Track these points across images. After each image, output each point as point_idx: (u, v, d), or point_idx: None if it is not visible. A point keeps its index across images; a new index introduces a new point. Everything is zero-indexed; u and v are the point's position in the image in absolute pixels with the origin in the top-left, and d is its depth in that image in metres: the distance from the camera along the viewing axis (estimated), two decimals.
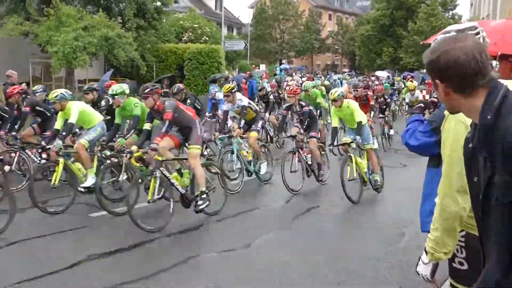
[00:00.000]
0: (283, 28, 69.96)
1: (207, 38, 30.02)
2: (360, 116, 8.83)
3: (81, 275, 5.29)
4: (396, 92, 21.78)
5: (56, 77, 22.24)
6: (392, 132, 15.12)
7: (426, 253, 2.56)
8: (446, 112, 2.47)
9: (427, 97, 23.63)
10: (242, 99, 9.53)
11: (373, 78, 36.84)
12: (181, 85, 12.38)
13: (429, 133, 2.99)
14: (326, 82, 25.91)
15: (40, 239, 6.44)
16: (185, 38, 29.50)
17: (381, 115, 15.00)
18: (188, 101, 10.99)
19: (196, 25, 30.74)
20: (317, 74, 56.85)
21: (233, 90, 9.41)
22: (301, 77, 35.51)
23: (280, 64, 62.66)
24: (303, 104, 9.79)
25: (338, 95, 8.73)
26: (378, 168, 9.02)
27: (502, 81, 1.76)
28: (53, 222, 7.11)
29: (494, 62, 2.92)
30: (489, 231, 1.74)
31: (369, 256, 5.80)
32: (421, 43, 40.89)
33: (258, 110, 10.86)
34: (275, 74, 52.84)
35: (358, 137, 8.77)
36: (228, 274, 5.29)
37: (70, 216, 7.54)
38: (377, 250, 6.03)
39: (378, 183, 8.91)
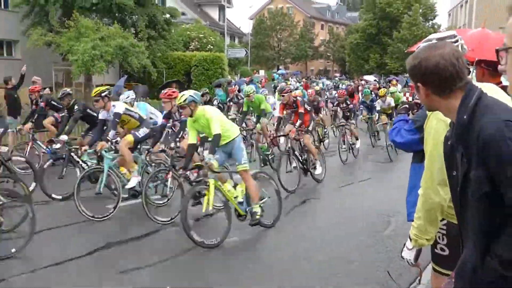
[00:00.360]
0: (280, 37, 69.86)
1: (211, 47, 29.98)
2: (218, 128, 5.90)
3: (101, 260, 5.29)
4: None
5: (76, 83, 22.21)
6: (358, 144, 12.54)
7: (410, 239, 2.56)
8: (428, 112, 2.47)
9: (410, 98, 23.58)
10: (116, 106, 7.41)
11: (362, 82, 36.93)
12: (68, 90, 10.48)
13: (413, 131, 2.99)
14: (317, 87, 25.87)
15: (64, 228, 6.43)
16: (191, 47, 29.46)
17: (342, 123, 12.99)
18: (76, 107, 9.11)
19: (202, 35, 30.70)
20: (310, 79, 56.77)
21: (102, 94, 7.24)
22: (296, 82, 35.49)
23: (278, 69, 62.60)
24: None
25: (184, 101, 5.92)
26: (257, 196, 6.22)
27: (478, 84, 1.76)
28: (76, 212, 7.08)
29: (472, 68, 2.90)
30: (466, 222, 1.74)
31: (357, 243, 5.80)
32: (405, 51, 40.87)
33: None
34: (273, 79, 52.82)
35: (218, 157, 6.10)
36: (225, 262, 5.28)
37: (91, 207, 7.53)
38: (365, 237, 6.02)
39: (257, 215, 6.09)
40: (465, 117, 1.63)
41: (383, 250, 5.55)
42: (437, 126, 2.34)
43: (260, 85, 23.62)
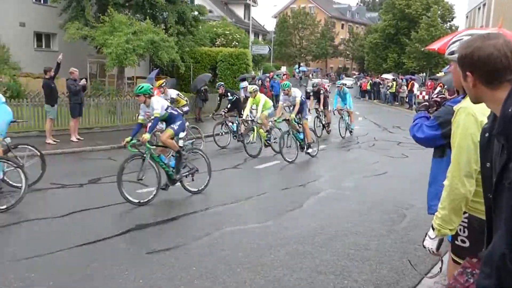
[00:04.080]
0: (301, 35, 69.44)
1: (236, 43, 29.96)
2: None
3: (131, 241, 5.34)
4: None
5: (109, 74, 22.47)
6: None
7: (433, 229, 2.52)
8: (456, 107, 2.42)
9: (426, 97, 23.25)
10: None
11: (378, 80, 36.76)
12: None
13: (435, 127, 2.95)
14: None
15: (97, 210, 6.52)
16: (218, 43, 29.49)
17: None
18: None
19: (228, 32, 30.69)
20: (330, 76, 56.43)
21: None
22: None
23: (299, 66, 62.27)
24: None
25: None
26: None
27: None
28: (100, 198, 7.18)
29: None
30: (499, 210, 1.69)
31: (374, 234, 5.74)
32: (422, 49, 40.21)
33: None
34: (294, 75, 52.60)
35: None
36: (246, 246, 5.28)
37: (114, 193, 7.62)
38: (381, 228, 5.95)
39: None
40: (510, 110, 1.58)
41: (398, 240, 5.49)
42: (466, 119, 2.31)
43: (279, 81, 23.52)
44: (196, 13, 24.83)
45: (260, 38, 51.29)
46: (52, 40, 25.09)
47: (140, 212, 6.49)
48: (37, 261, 4.65)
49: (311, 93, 16.50)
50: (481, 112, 2.29)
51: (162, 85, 10.84)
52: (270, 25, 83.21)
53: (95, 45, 20.02)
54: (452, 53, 2.72)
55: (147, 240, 5.36)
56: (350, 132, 15.31)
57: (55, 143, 11.59)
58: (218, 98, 13.67)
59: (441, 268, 3.00)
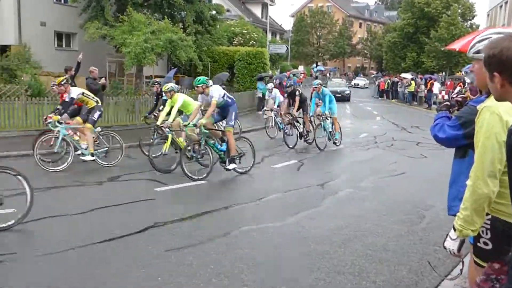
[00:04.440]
0: (319, 34, 69.19)
1: (254, 42, 29.99)
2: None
3: (149, 238, 5.39)
4: None
5: (128, 73, 22.70)
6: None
7: (455, 230, 2.48)
8: (479, 106, 2.38)
9: (446, 97, 22.97)
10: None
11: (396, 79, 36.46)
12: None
13: (457, 127, 2.92)
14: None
15: (107, 209, 6.59)
16: (235, 42, 29.56)
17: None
18: None
19: (245, 31, 30.74)
20: (347, 75, 56.03)
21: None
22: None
23: (316, 65, 62.03)
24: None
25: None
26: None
27: None
28: (119, 195, 7.27)
29: None
30: None
31: (392, 234, 5.69)
32: (443, 48, 39.61)
33: None
34: (311, 74, 52.37)
35: None
36: (264, 245, 5.29)
37: (139, 190, 7.71)
38: (400, 229, 5.90)
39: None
40: None
41: (418, 241, 5.44)
42: (490, 118, 2.28)
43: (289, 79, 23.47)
44: (214, 12, 24.95)
45: (278, 37, 51.24)
46: (72, 40, 25.46)
47: (158, 210, 6.55)
48: (55, 257, 4.72)
49: (285, 95, 14.42)
50: (506, 112, 2.26)
51: (62, 82, 9.15)
52: (287, 24, 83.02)
53: (114, 44, 20.26)
54: (477, 52, 2.68)
55: (166, 238, 5.40)
56: (335, 143, 12.60)
57: None
58: (155, 97, 11.65)
59: (461, 270, 2.96)
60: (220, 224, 5.99)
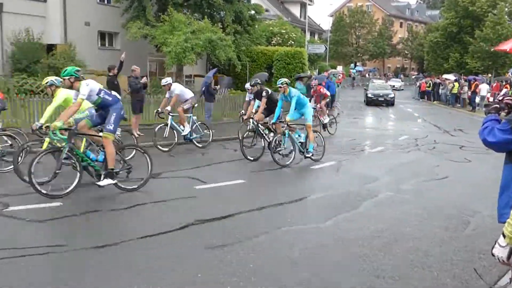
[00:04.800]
0: (358, 34, 68.35)
1: (292, 42, 29.91)
2: None
3: (189, 235, 5.48)
4: None
5: (168, 72, 23.11)
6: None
7: (504, 237, 2.41)
8: None
9: (491, 99, 22.24)
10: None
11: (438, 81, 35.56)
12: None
13: (508, 131, 2.83)
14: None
15: (148, 205, 6.73)
16: (273, 42, 29.56)
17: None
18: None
19: (284, 31, 30.70)
20: (387, 76, 55.00)
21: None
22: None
23: (355, 66, 61.28)
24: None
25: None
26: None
27: None
28: (160, 192, 7.41)
29: None
30: None
31: (435, 240, 5.56)
32: (489, 48, 38.26)
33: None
34: (350, 75, 51.79)
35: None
36: (303, 246, 5.27)
37: (180, 187, 7.84)
38: (443, 235, 5.76)
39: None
40: None
41: (462, 248, 5.29)
42: None
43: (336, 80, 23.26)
44: (252, 12, 25.05)
45: (316, 37, 50.94)
46: (115, 39, 26.10)
47: (198, 207, 6.64)
48: (95, 252, 4.87)
49: (252, 96, 12.21)
50: None
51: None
52: (326, 24, 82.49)
53: (155, 44, 20.66)
54: None
55: (206, 235, 5.47)
56: (307, 156, 10.06)
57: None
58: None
59: (511, 279, 2.87)
60: (259, 223, 6.02)
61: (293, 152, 10.06)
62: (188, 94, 11.85)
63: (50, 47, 21.50)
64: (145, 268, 4.48)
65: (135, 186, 7.41)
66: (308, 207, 6.99)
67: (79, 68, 7.35)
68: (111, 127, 7.07)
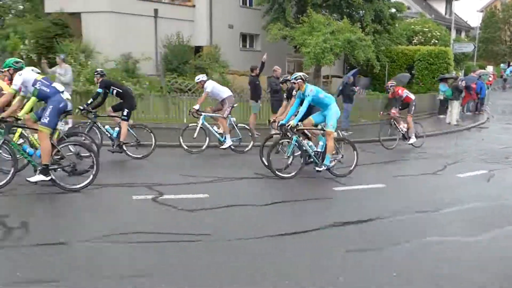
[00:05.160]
0: None
1: (436, 41, 28.14)
2: None
3: (327, 237, 5.46)
4: None
5: (306, 72, 23.35)
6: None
7: None
8: None
9: None
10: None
11: None
12: None
13: None
14: None
15: (288, 203, 6.84)
16: (415, 41, 28.12)
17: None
18: None
19: (426, 29, 29.03)
20: None
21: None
22: None
23: (508, 65, 55.66)
24: None
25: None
26: None
27: None
28: (304, 191, 7.49)
29: None
30: None
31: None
32: None
33: None
34: (502, 76, 47.19)
35: None
36: (452, 260, 4.89)
37: (316, 187, 7.87)
38: None
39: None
40: None
41: None
42: None
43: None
44: (393, 10, 24.10)
45: (463, 35, 47.35)
46: (255, 41, 27.13)
47: (336, 209, 6.59)
48: (237, 244, 5.08)
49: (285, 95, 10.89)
50: None
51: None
52: (474, 20, 76.10)
53: (294, 44, 20.99)
54: None
55: (345, 239, 5.40)
56: (318, 170, 8.40)
57: (257, 136, 12.51)
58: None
59: None
60: (401, 230, 5.76)
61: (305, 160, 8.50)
62: (224, 92, 10.89)
63: (197, 49, 23.10)
64: (281, 266, 4.53)
65: (79, 186, 6.88)
66: (454, 218, 6.48)
67: (18, 60, 7.32)
68: (45, 120, 6.74)
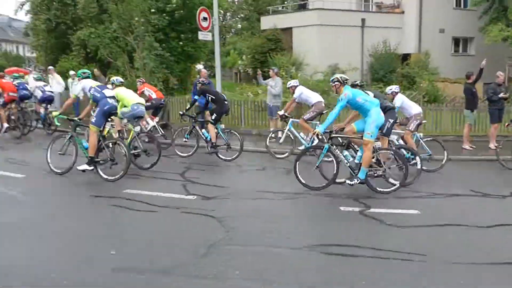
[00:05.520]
0: None
1: None
2: None
3: None
4: None
5: None
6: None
7: None
8: None
9: None
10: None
11: None
12: None
13: None
14: None
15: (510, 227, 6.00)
16: None
17: None
18: None
19: None
20: None
21: None
22: None
23: None
24: None
25: None
26: None
27: None
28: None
29: None
30: None
31: None
32: None
33: None
34: None
35: None
36: None
37: None
38: None
39: None
40: None
41: None
42: None
43: None
44: None
45: None
46: (469, 44, 24.98)
47: None
48: (453, 268, 4.63)
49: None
50: None
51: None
52: None
53: None
54: None
55: None
56: (349, 184, 7.40)
57: (471, 149, 11.45)
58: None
59: None
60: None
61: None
62: (313, 98, 10.70)
63: (405, 57, 22.35)
64: None
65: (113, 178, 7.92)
66: None
67: (86, 70, 9.41)
68: (93, 120, 8.15)
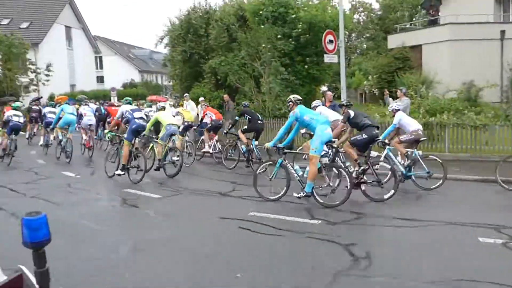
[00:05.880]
0: None
1: None
2: None
3: None
4: None
5: None
6: None
7: None
8: None
9: None
10: None
11: None
12: None
13: None
14: None
15: None
16: None
17: None
18: None
19: None
20: None
21: None
22: None
23: None
24: None
25: None
26: None
27: None
28: None
29: None
30: None
31: None
32: None
33: None
34: None
35: None
36: None
37: None
38: None
39: None
40: None
41: None
42: None
43: None
44: None
45: None
46: None
47: None
48: None
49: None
50: None
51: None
52: None
53: None
54: None
55: None
56: (297, 197, 8.15)
57: None
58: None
59: None
60: None
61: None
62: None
63: None
64: None
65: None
66: None
67: (128, 98, 13.02)
68: (125, 135, 10.55)
